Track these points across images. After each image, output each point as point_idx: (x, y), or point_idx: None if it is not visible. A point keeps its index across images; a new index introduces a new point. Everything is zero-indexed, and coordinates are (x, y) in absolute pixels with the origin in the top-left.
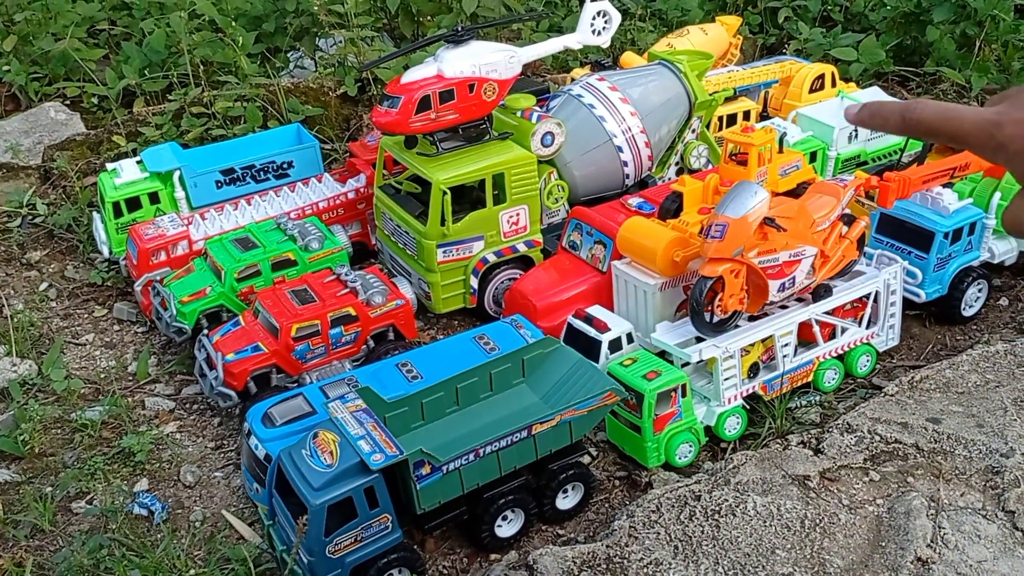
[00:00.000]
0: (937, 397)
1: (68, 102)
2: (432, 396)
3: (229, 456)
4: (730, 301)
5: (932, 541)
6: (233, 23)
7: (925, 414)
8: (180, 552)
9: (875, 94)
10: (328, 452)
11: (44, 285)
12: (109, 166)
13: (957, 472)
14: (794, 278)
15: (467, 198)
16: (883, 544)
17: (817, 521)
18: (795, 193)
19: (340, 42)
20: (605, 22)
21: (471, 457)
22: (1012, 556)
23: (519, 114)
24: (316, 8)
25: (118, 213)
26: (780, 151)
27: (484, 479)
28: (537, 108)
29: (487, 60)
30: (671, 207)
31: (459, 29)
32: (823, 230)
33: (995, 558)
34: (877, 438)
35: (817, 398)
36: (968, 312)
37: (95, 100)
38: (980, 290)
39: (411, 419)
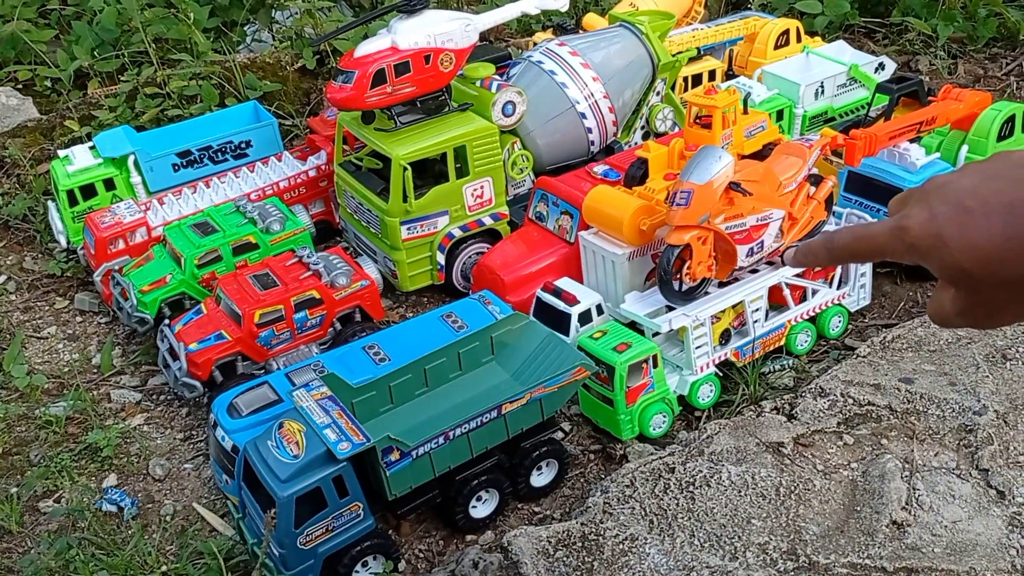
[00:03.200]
0: (909, 356)
1: (20, 86)
2: (400, 379)
3: (198, 447)
4: (698, 269)
5: (907, 503)
6: None
7: (898, 374)
8: (151, 548)
9: (840, 48)
10: (294, 443)
11: (2, 278)
12: (61, 153)
13: (931, 432)
14: (762, 242)
15: (429, 172)
16: (858, 508)
17: (792, 488)
18: (761, 155)
19: (296, 14)
20: None
21: (441, 440)
22: (986, 515)
23: (478, 84)
24: None
25: (73, 201)
26: (745, 112)
27: (455, 462)
28: (497, 77)
29: (442, 30)
30: (636, 174)
31: None
32: (790, 192)
33: (970, 517)
34: (850, 401)
35: (790, 362)
36: None
37: (48, 83)
38: None
39: (379, 403)
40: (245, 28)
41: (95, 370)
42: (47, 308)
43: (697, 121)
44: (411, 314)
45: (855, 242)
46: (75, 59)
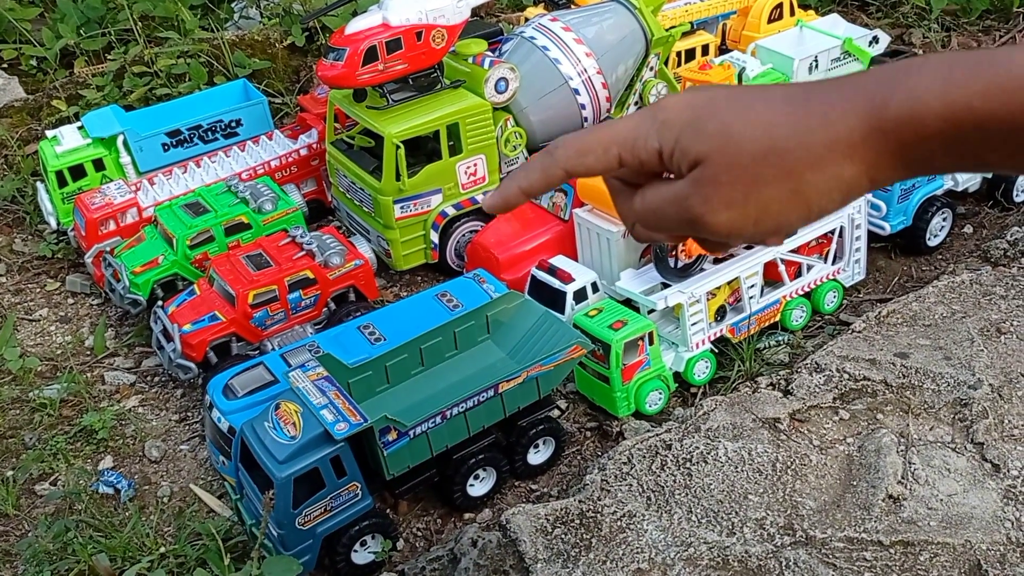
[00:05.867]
0: (904, 331)
1: (5, 65)
2: (396, 358)
3: (194, 428)
4: (694, 245)
5: (903, 478)
6: None
7: (893, 349)
8: (149, 530)
9: (834, 21)
10: (291, 423)
11: None
12: (49, 133)
13: (926, 406)
14: None
15: (422, 150)
16: (854, 483)
17: (788, 464)
18: None
19: None
20: None
21: (438, 420)
22: (981, 488)
23: (471, 60)
24: None
25: (62, 182)
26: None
27: (453, 441)
28: (489, 53)
29: (433, 5)
30: None
31: None
32: None
33: (965, 491)
34: (846, 376)
35: (785, 337)
36: (933, 242)
37: (34, 62)
38: (944, 219)
39: (375, 383)
40: (232, 5)
41: (88, 352)
42: (38, 290)
43: None
44: (405, 293)
45: (585, 134)
46: (60, 37)
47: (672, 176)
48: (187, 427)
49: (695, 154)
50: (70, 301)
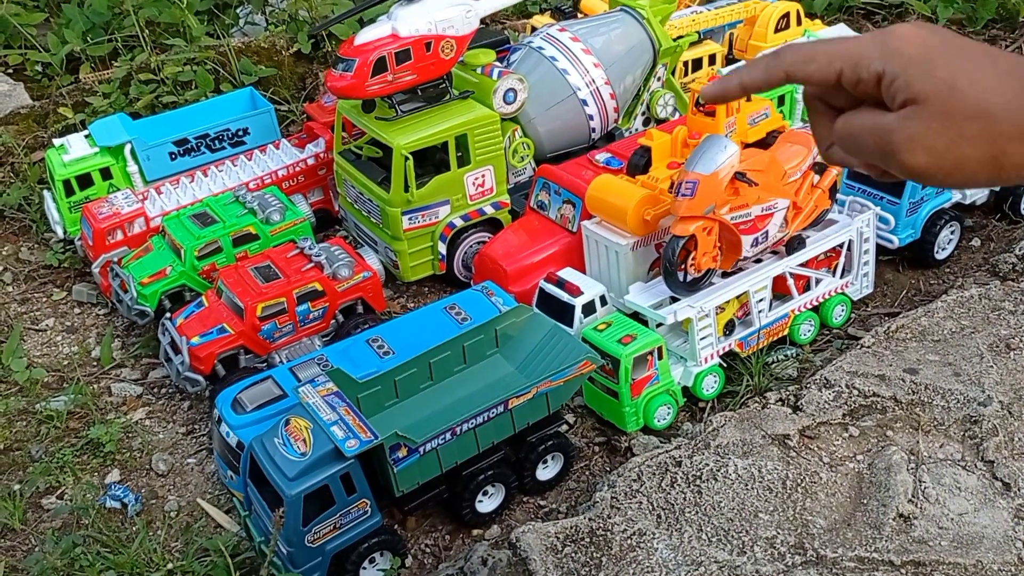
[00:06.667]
0: (913, 347)
1: (11, 71)
2: (405, 373)
3: (201, 441)
4: (703, 259)
5: (913, 496)
6: None
7: (902, 365)
8: (156, 545)
9: (840, 31)
10: (301, 440)
11: None
12: (56, 142)
13: (936, 423)
14: (767, 232)
15: (430, 161)
16: (864, 501)
17: (799, 481)
18: (765, 143)
19: None
20: None
21: (448, 436)
22: (992, 507)
23: (479, 71)
24: None
25: (69, 191)
26: (748, 99)
27: (462, 457)
28: (498, 64)
29: (443, 16)
30: (639, 163)
31: None
32: (795, 181)
33: (975, 510)
34: (855, 392)
35: (794, 351)
36: (941, 255)
37: (39, 68)
38: (952, 232)
39: (385, 397)
40: (238, 10)
41: (95, 363)
42: (45, 299)
43: (699, 108)
44: (412, 304)
45: (820, 42)
46: (66, 43)
47: (881, 105)
48: (194, 440)
49: (916, 92)
50: (76, 311)
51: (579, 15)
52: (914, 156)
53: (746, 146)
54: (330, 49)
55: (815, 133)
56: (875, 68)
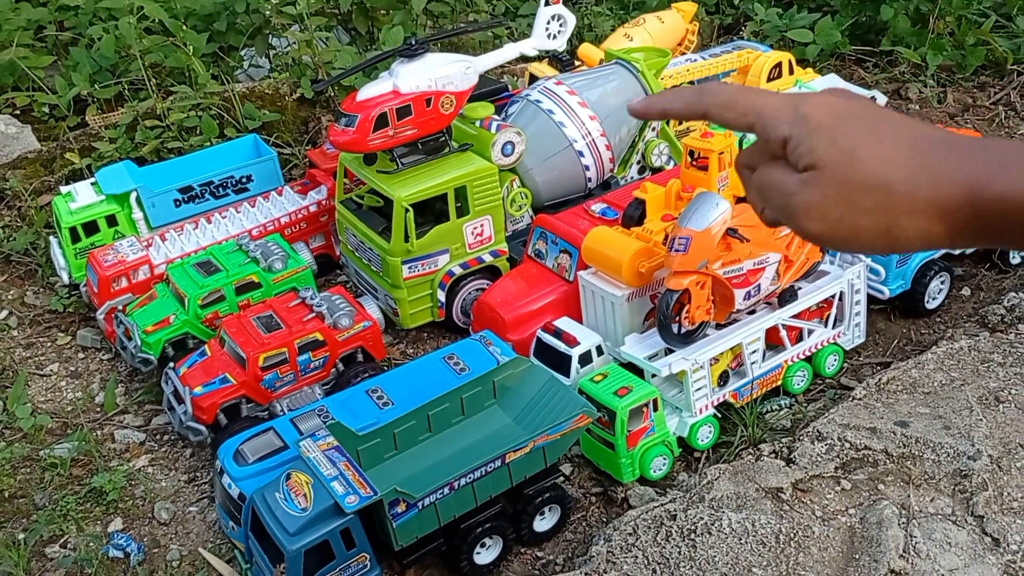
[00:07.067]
0: (904, 399)
1: (18, 112)
2: (404, 425)
3: (203, 489)
4: (697, 312)
5: (904, 551)
6: (184, 27)
7: (893, 417)
8: None
9: (831, 82)
10: (302, 495)
11: (4, 313)
12: (63, 189)
13: (926, 477)
14: (759, 285)
15: (430, 210)
16: (856, 556)
17: (792, 535)
18: None
19: (293, 44)
20: (560, 25)
21: (446, 490)
22: (982, 563)
23: (478, 124)
24: (268, 11)
25: (76, 238)
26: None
27: (460, 510)
28: (496, 117)
29: (443, 73)
30: (634, 215)
31: (413, 43)
32: (786, 235)
33: (966, 566)
34: (847, 445)
35: (787, 402)
36: (932, 304)
37: (46, 109)
38: (943, 282)
39: (384, 449)
40: (242, 53)
41: (98, 409)
42: (49, 344)
43: (693, 163)
44: (411, 350)
45: (737, 90)
46: (73, 86)
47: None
48: (196, 488)
49: (818, 159)
50: (80, 356)
51: (576, 63)
52: (810, 222)
53: (738, 200)
54: (333, 94)
55: (748, 199)
56: (782, 132)
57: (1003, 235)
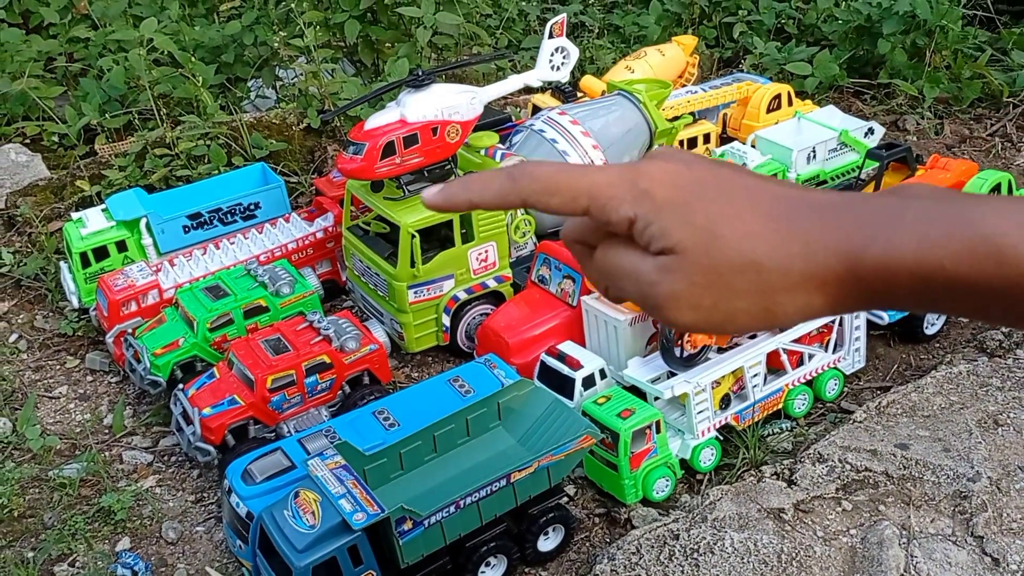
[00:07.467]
0: (904, 422)
1: (28, 141)
2: (410, 446)
3: (210, 509)
4: (699, 336)
5: (905, 571)
6: (193, 59)
7: (893, 440)
8: None
9: (830, 113)
10: (310, 512)
11: (14, 336)
12: (74, 215)
13: (927, 498)
14: None
15: (435, 236)
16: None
17: (793, 555)
18: None
19: (300, 75)
20: (564, 57)
21: (452, 509)
22: None
23: (483, 152)
24: (276, 44)
25: (86, 263)
26: None
27: (466, 529)
28: (500, 146)
29: (449, 103)
30: None
31: (419, 74)
32: None
33: None
34: (848, 467)
35: (788, 424)
36: (931, 330)
37: (55, 138)
38: None
39: (390, 469)
40: (249, 83)
41: (107, 430)
42: (58, 367)
43: None
44: (417, 373)
45: (558, 170)
46: (83, 115)
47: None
48: (203, 508)
49: (675, 242)
50: (89, 378)
51: (579, 94)
52: (680, 314)
53: None
54: (339, 123)
55: (588, 278)
56: (625, 213)
57: (892, 299)
